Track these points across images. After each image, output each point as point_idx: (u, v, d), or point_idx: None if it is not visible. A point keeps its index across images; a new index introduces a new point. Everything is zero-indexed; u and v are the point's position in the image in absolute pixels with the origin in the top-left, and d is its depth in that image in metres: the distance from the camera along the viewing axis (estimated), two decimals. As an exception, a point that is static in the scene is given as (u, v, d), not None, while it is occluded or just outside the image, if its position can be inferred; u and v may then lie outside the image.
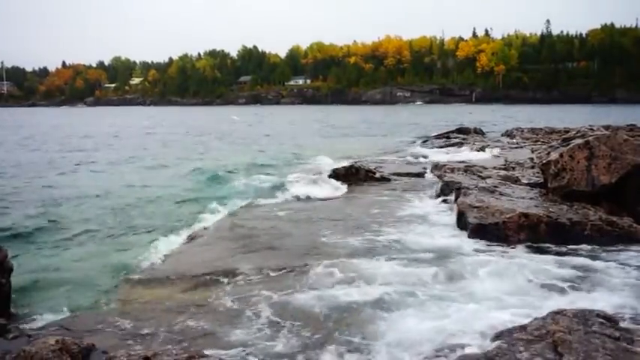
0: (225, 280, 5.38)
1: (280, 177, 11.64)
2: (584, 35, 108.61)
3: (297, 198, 9.83)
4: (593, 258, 5.60)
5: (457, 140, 19.59)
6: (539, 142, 16.22)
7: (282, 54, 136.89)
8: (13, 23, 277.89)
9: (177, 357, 3.22)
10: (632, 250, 5.88)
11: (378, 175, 11.73)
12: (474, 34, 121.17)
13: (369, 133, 29.48)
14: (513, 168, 10.79)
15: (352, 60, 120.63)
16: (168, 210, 8.90)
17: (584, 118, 38.58)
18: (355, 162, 12.74)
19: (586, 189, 7.01)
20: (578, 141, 7.25)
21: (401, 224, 7.40)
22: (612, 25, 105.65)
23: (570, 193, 7.13)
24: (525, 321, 3.76)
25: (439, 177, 10.45)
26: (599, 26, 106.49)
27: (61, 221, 8.07)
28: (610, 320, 3.57)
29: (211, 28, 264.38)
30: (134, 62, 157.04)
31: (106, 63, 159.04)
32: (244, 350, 3.81)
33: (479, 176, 9.44)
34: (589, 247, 6.00)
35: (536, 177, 8.73)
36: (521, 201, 7.20)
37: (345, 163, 12.47)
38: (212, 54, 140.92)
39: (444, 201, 8.59)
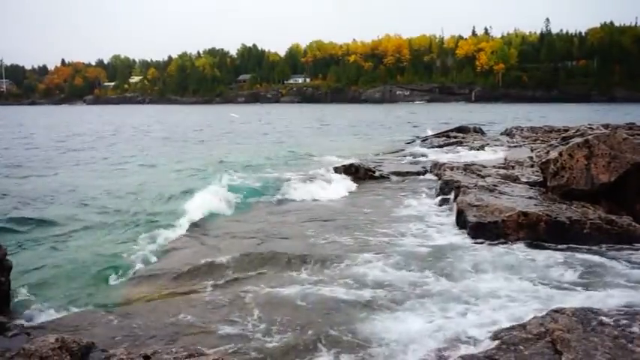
0: (223, 278, 5.40)
1: (278, 175, 11.62)
2: (583, 34, 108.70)
3: (295, 196, 9.82)
4: (593, 257, 5.60)
5: (456, 139, 19.53)
6: (538, 141, 16.17)
7: (282, 52, 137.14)
8: (13, 21, 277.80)
9: (177, 355, 3.21)
10: (632, 248, 5.90)
11: (377, 173, 11.74)
12: (474, 33, 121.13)
13: (368, 132, 29.44)
14: (513, 167, 10.77)
15: (352, 59, 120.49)
16: (166, 208, 8.89)
17: (584, 116, 38.50)
18: (355, 161, 12.75)
19: (585, 188, 7.02)
20: (578, 140, 7.25)
21: (399, 223, 7.40)
22: (612, 23, 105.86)
23: (569, 191, 7.14)
24: (524, 320, 3.77)
25: (438, 176, 10.46)
26: (598, 25, 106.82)
27: (60, 219, 8.06)
28: (609, 318, 3.57)
29: (211, 27, 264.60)
30: (133, 60, 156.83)
31: (106, 61, 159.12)
32: (241, 347, 3.81)
33: (478, 175, 9.43)
34: (588, 245, 6.00)
35: (536, 176, 8.72)
36: (520, 200, 7.21)
37: (345, 162, 12.49)
38: (211, 52, 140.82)
39: (444, 200, 8.58)
